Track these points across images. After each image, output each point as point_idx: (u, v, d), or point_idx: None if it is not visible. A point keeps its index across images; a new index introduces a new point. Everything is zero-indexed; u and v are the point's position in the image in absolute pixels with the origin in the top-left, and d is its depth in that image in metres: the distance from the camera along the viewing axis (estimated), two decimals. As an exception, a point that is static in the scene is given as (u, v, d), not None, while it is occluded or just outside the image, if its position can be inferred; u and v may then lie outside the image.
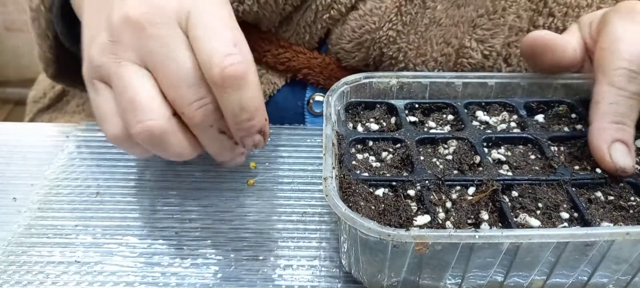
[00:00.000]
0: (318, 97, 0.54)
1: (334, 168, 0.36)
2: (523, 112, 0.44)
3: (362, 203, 0.35)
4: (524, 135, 0.42)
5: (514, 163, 0.40)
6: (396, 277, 0.34)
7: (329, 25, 0.51)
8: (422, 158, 0.39)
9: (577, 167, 0.39)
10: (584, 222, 0.34)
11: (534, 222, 0.34)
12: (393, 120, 0.44)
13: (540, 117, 0.45)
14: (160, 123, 0.36)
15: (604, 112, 0.39)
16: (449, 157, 0.40)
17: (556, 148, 0.41)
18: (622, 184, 0.37)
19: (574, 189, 0.37)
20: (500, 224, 0.35)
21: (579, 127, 0.43)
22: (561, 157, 0.40)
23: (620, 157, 0.37)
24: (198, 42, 0.36)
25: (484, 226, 0.34)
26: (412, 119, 0.44)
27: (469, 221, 0.35)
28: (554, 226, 0.34)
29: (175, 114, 0.37)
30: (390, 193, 0.37)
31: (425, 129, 0.43)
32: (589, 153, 0.39)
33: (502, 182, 0.37)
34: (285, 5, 0.49)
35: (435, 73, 0.48)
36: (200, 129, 0.38)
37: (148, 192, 0.45)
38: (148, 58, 0.36)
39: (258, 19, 0.51)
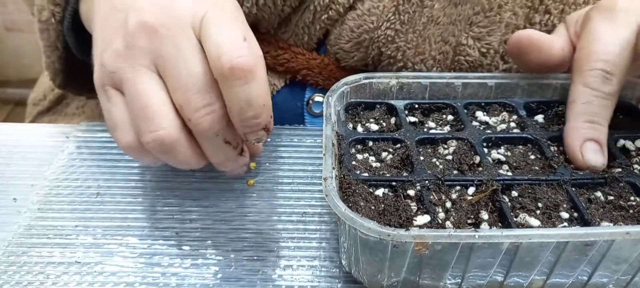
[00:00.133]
0: (317, 98, 0.54)
1: (334, 168, 0.36)
2: (523, 112, 0.44)
3: (362, 204, 0.35)
4: (524, 135, 0.42)
5: (514, 164, 0.40)
6: (396, 277, 0.34)
7: (327, 25, 0.51)
8: (422, 158, 0.39)
9: (576, 167, 0.39)
10: (584, 222, 0.34)
11: (534, 221, 0.34)
12: (393, 120, 0.44)
13: (540, 117, 0.45)
14: (171, 132, 0.37)
15: (578, 112, 0.40)
16: (449, 157, 0.40)
17: (556, 149, 0.41)
18: (622, 184, 0.37)
19: (573, 189, 0.37)
20: (500, 224, 0.35)
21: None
22: (561, 157, 0.40)
23: (591, 156, 0.38)
24: (209, 39, 0.36)
25: (484, 226, 0.34)
26: (412, 119, 0.44)
27: (469, 221, 0.35)
28: (554, 226, 0.34)
29: (184, 123, 0.38)
30: (390, 194, 0.37)
31: (425, 129, 0.43)
32: None
33: (501, 182, 0.37)
34: (284, 7, 0.50)
35: (435, 73, 0.48)
36: (205, 137, 0.38)
37: (148, 192, 0.45)
38: (160, 62, 0.37)
39: (257, 21, 0.51)
